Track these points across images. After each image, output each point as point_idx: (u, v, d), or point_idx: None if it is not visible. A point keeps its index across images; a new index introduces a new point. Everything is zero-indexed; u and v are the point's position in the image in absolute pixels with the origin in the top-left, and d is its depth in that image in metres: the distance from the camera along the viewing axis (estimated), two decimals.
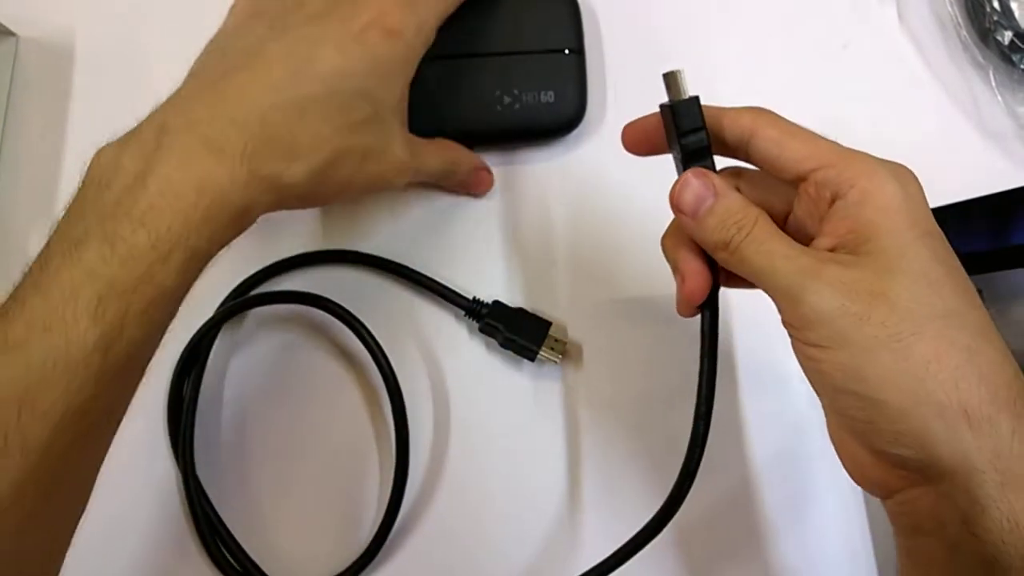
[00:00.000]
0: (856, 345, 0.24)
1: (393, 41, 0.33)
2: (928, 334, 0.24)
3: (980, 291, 0.40)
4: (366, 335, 0.38)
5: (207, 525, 0.39)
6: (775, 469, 0.39)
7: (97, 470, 0.30)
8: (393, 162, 0.35)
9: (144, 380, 0.40)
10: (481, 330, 0.40)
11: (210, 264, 0.41)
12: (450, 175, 0.40)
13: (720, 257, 0.27)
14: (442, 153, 0.39)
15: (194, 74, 0.32)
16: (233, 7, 0.36)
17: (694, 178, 0.28)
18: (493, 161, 0.42)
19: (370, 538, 0.38)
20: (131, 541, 0.39)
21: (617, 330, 0.41)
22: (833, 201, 0.26)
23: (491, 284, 0.41)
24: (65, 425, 0.26)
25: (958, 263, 0.26)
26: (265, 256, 0.41)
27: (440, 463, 0.40)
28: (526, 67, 0.40)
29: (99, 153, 0.29)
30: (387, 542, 0.38)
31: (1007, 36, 0.41)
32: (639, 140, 0.30)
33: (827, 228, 0.26)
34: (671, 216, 0.29)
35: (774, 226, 0.27)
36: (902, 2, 0.44)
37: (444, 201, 0.42)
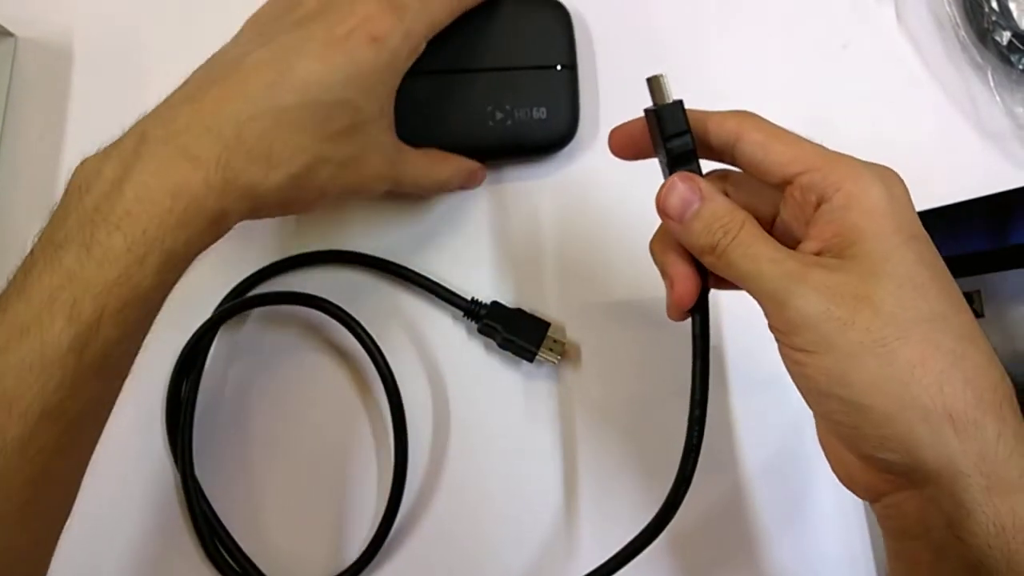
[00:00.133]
0: (840, 350, 0.24)
1: (376, 48, 0.32)
2: (913, 338, 0.24)
3: (979, 291, 0.40)
4: (364, 336, 0.38)
5: (206, 526, 0.39)
6: (773, 471, 0.39)
7: (81, 470, 0.30)
8: (373, 171, 0.35)
9: (142, 381, 0.40)
10: (480, 331, 0.40)
11: (208, 264, 0.41)
12: (438, 190, 0.40)
13: (707, 261, 0.27)
14: (431, 168, 0.38)
15: (183, 85, 0.32)
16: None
17: (680, 182, 0.28)
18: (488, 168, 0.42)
19: (369, 539, 0.38)
20: (130, 542, 0.39)
21: (616, 330, 0.41)
22: (819, 205, 0.26)
23: (490, 285, 0.41)
24: (43, 425, 0.26)
25: (944, 266, 0.26)
26: (264, 256, 0.41)
27: (438, 464, 0.40)
28: (518, 83, 0.39)
29: (83, 162, 0.30)
30: (385, 543, 0.38)
31: (1005, 36, 0.41)
32: (625, 144, 0.30)
33: (813, 232, 0.26)
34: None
35: (760, 230, 0.27)
36: (900, 2, 0.43)
37: (443, 202, 0.42)
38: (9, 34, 0.44)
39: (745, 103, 0.42)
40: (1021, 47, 0.40)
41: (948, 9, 0.43)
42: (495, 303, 0.40)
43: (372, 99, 0.33)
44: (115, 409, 0.39)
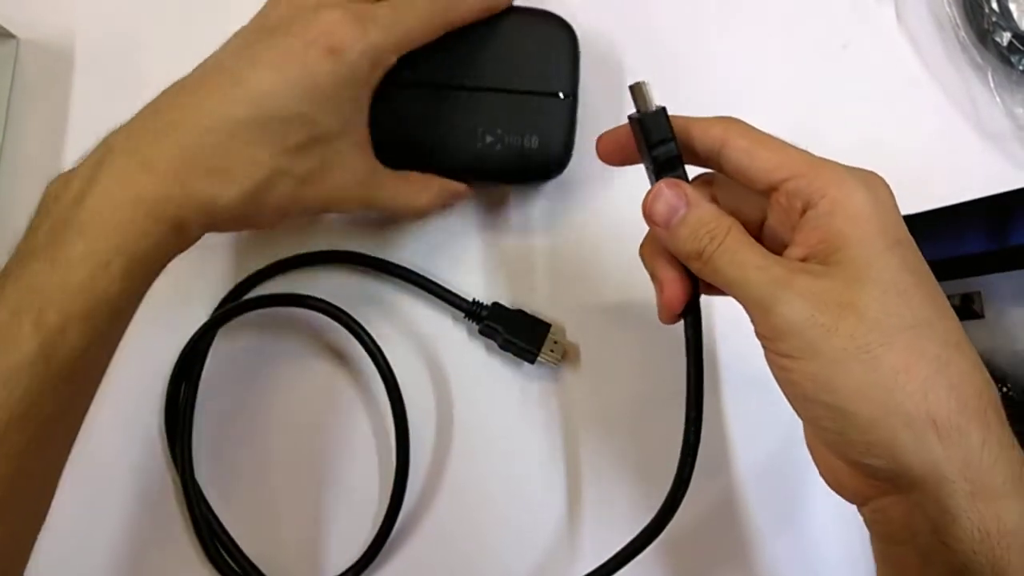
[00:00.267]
0: (825, 356, 0.24)
1: (334, 61, 0.31)
2: (897, 345, 0.24)
3: (979, 292, 0.40)
4: (365, 337, 0.38)
5: (206, 528, 0.39)
6: (772, 472, 0.39)
7: (58, 467, 0.31)
8: (339, 190, 0.34)
9: (141, 383, 0.40)
10: (481, 332, 0.40)
11: (207, 265, 0.41)
12: (415, 217, 0.40)
13: (694, 267, 0.28)
14: (409, 194, 0.37)
15: (156, 96, 0.32)
16: None
17: (666, 188, 0.28)
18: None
19: (370, 540, 0.38)
20: (130, 545, 0.39)
21: (615, 332, 0.41)
22: (804, 211, 0.26)
23: (490, 285, 0.41)
24: (12, 431, 0.27)
25: (928, 271, 0.26)
26: (263, 257, 0.41)
27: (439, 465, 0.40)
28: (514, 107, 0.37)
29: (56, 177, 0.30)
30: (386, 544, 0.38)
31: (1006, 37, 0.41)
32: (612, 150, 0.31)
33: (799, 238, 0.26)
34: None
35: (747, 236, 0.27)
36: (900, 3, 0.43)
37: None
38: (11, 36, 0.44)
39: (745, 103, 0.42)
40: (1021, 48, 0.40)
41: (948, 10, 0.43)
42: (496, 304, 0.40)
43: (331, 113, 0.32)
44: (113, 412, 0.40)
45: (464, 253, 0.42)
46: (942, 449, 0.23)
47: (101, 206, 0.28)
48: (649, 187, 0.29)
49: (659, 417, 0.40)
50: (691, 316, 0.29)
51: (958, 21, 0.42)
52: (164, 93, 0.32)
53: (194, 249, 0.32)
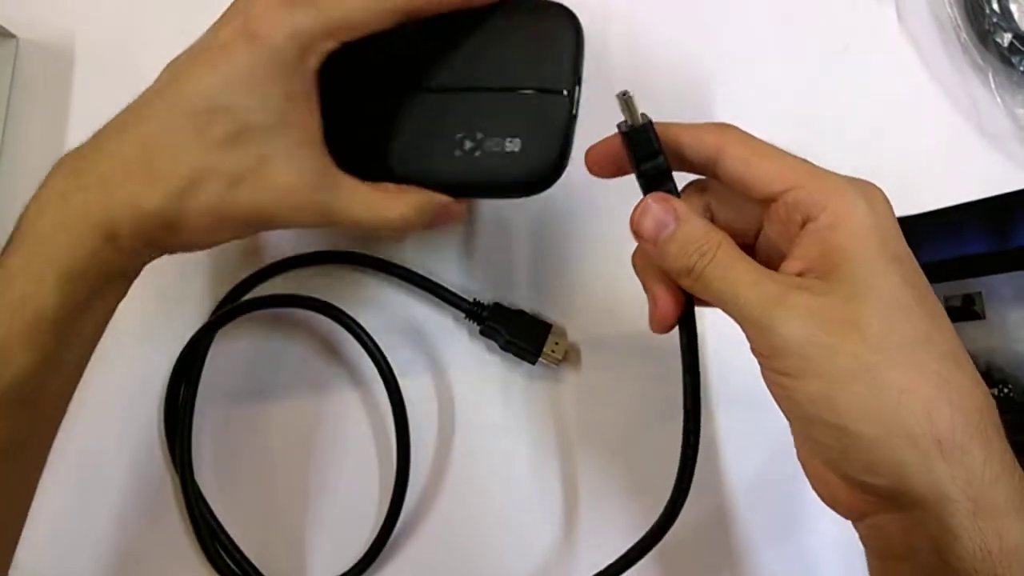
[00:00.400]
0: (827, 375, 0.24)
1: (255, 46, 0.29)
2: (899, 363, 0.23)
3: (980, 293, 0.40)
4: (365, 338, 0.38)
5: (206, 529, 0.39)
6: (773, 478, 0.39)
7: (20, 505, 0.30)
8: (283, 193, 0.30)
9: (141, 383, 0.40)
10: (482, 333, 0.40)
11: (206, 266, 0.41)
12: (389, 231, 0.35)
13: (684, 284, 0.27)
14: (377, 203, 0.32)
15: None
16: None
17: (654, 203, 0.27)
18: None
19: (371, 541, 0.38)
20: (130, 547, 0.39)
21: (616, 333, 0.41)
22: (804, 224, 0.25)
23: (491, 285, 0.41)
24: None
25: (928, 285, 0.25)
26: (262, 257, 0.41)
27: (440, 465, 0.40)
28: (498, 107, 0.32)
29: None
30: (387, 545, 0.38)
31: (1007, 38, 0.41)
32: (603, 164, 0.30)
33: (797, 251, 0.26)
34: None
35: (738, 251, 0.26)
36: (901, 4, 0.43)
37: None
38: (11, 35, 0.44)
39: (746, 104, 0.42)
40: (1022, 48, 0.40)
41: (949, 10, 0.43)
42: (496, 304, 0.40)
43: (258, 103, 0.29)
44: (114, 413, 0.40)
45: (464, 253, 0.42)
46: (946, 468, 0.23)
47: (34, 218, 0.28)
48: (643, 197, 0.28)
49: (660, 417, 0.40)
50: (686, 327, 0.28)
51: (959, 22, 0.42)
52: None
53: None
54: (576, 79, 0.32)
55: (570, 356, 0.40)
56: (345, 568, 0.38)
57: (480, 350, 0.41)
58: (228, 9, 0.31)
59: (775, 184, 0.26)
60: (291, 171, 0.30)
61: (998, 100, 0.41)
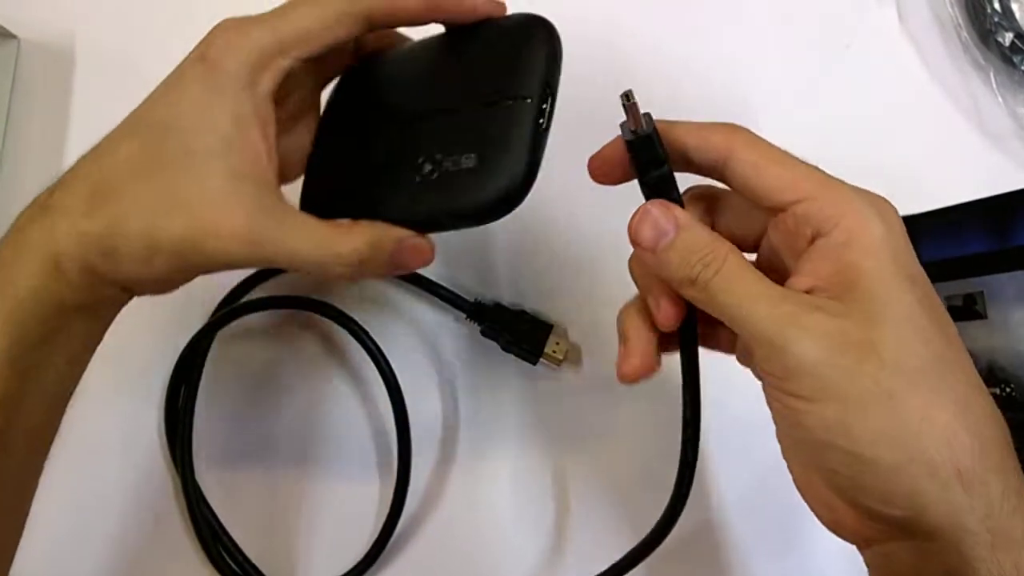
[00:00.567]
0: (845, 399, 0.23)
1: (205, 65, 0.28)
2: (920, 388, 0.23)
3: (981, 293, 0.40)
4: (366, 339, 0.38)
5: (208, 530, 0.39)
6: (773, 484, 0.39)
7: (11, 534, 0.29)
8: (207, 220, 0.27)
9: (141, 384, 0.40)
10: (483, 333, 0.40)
11: None
12: (342, 269, 0.29)
13: (688, 295, 0.26)
14: (325, 238, 0.28)
15: None
16: None
17: (653, 209, 0.26)
18: None
19: (371, 542, 0.38)
20: (131, 548, 0.39)
21: (616, 332, 0.41)
22: (814, 238, 0.24)
23: (491, 285, 0.41)
24: None
25: (942, 306, 0.25)
26: None
27: (441, 466, 0.40)
28: (459, 123, 0.29)
29: None
30: (388, 546, 0.38)
31: (1008, 37, 0.41)
32: (607, 171, 0.28)
33: (807, 267, 0.24)
34: None
35: (747, 263, 0.25)
36: (902, 3, 0.43)
37: None
38: (12, 36, 0.44)
39: (748, 104, 0.42)
40: (1023, 48, 0.40)
41: (950, 10, 0.43)
42: (497, 305, 0.40)
43: (208, 125, 0.28)
44: (114, 414, 0.40)
45: (465, 253, 0.42)
46: (966, 499, 0.22)
47: None
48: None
49: (661, 417, 0.40)
50: (686, 334, 0.28)
51: (960, 21, 0.42)
52: None
53: None
54: (545, 85, 0.28)
55: (571, 357, 0.40)
56: (346, 568, 0.38)
57: (480, 350, 0.41)
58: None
59: (785, 193, 0.25)
60: (227, 198, 0.27)
61: (999, 99, 0.41)
